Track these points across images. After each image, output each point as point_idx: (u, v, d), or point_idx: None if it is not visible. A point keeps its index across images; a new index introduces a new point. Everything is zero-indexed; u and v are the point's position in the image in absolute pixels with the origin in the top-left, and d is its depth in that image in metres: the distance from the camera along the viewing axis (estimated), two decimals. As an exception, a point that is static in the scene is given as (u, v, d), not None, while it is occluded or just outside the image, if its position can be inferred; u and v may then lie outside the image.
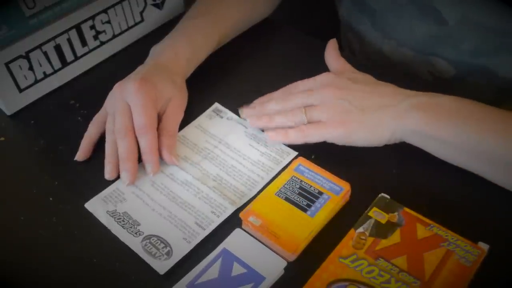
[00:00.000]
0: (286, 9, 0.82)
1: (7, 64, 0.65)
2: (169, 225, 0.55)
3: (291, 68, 0.72)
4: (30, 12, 0.64)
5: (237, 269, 0.50)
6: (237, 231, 0.53)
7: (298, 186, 0.56)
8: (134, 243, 0.53)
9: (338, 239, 0.52)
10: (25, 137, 0.67)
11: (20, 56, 0.66)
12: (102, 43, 0.74)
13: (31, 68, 0.67)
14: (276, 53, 0.76)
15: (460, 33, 0.68)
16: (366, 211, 0.54)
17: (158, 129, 0.61)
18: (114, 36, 0.75)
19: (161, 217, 0.56)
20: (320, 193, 0.55)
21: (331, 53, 0.66)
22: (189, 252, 0.53)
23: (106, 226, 0.55)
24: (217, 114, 0.67)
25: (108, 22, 0.73)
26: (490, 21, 0.65)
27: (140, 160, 0.59)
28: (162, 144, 0.60)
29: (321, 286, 0.48)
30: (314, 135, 0.59)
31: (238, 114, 0.66)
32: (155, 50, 0.68)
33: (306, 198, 0.54)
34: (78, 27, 0.70)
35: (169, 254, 0.52)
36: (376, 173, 0.59)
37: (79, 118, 0.67)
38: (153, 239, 0.54)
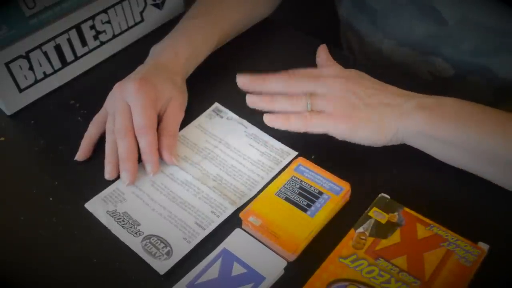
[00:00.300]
0: (286, 9, 0.82)
1: (7, 64, 0.65)
2: (169, 225, 0.55)
3: (291, 68, 0.72)
4: (30, 12, 0.64)
5: (237, 269, 0.50)
6: (237, 231, 0.53)
7: (298, 186, 0.56)
8: (134, 243, 0.53)
9: (338, 239, 0.52)
10: (25, 137, 0.67)
11: (20, 56, 0.66)
12: (102, 43, 0.74)
13: (31, 68, 0.67)
14: (276, 53, 0.76)
15: (460, 33, 0.68)
16: (366, 211, 0.54)
17: (158, 129, 0.61)
18: (114, 36, 0.75)
19: (161, 217, 0.56)
20: (320, 193, 0.55)
21: (325, 60, 0.64)
22: (189, 252, 0.53)
23: (106, 226, 0.55)
24: (217, 114, 0.67)
25: (108, 22, 0.73)
26: (490, 21, 0.65)
27: (140, 160, 0.59)
28: (162, 144, 0.60)
29: (321, 286, 0.48)
30: (317, 125, 0.57)
31: (238, 114, 0.66)
32: (155, 50, 0.68)
33: (306, 198, 0.54)
34: (78, 27, 0.70)
35: (169, 254, 0.52)
36: (376, 173, 0.59)
37: (79, 118, 0.67)
38: (153, 239, 0.54)
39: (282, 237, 0.51)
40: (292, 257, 0.52)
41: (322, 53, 0.65)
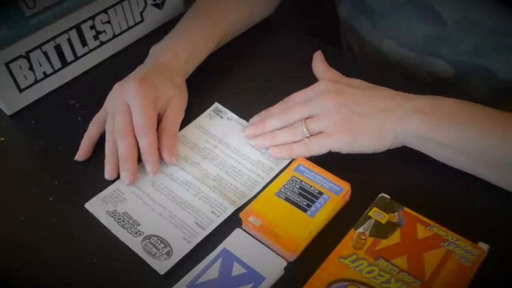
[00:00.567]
0: (286, 9, 0.82)
1: (7, 64, 0.65)
2: (169, 225, 0.55)
3: (291, 68, 0.72)
4: (30, 12, 0.64)
5: (237, 269, 0.50)
6: (237, 231, 0.53)
7: (298, 186, 0.56)
8: (134, 243, 0.53)
9: (338, 239, 0.52)
10: (25, 137, 0.67)
11: (20, 56, 0.66)
12: (102, 43, 0.74)
13: (31, 68, 0.67)
14: (276, 53, 0.76)
15: (459, 33, 0.68)
16: (366, 211, 0.54)
17: (158, 129, 0.61)
18: (114, 36, 0.75)
19: (161, 217, 0.56)
20: (320, 193, 0.55)
21: (320, 66, 0.64)
22: (189, 252, 0.53)
23: (106, 226, 0.55)
24: (217, 114, 0.67)
25: (108, 22, 0.73)
26: (489, 21, 0.65)
27: (140, 160, 0.59)
28: (162, 144, 0.60)
29: (321, 286, 0.48)
30: (318, 148, 0.58)
31: (238, 114, 0.66)
32: (155, 50, 0.68)
33: (306, 198, 0.54)
34: (78, 27, 0.70)
35: (169, 254, 0.52)
36: (376, 173, 0.59)
37: (79, 118, 0.67)
38: (153, 239, 0.54)
39: (282, 237, 0.51)
40: (292, 257, 0.52)
41: (318, 64, 0.65)
